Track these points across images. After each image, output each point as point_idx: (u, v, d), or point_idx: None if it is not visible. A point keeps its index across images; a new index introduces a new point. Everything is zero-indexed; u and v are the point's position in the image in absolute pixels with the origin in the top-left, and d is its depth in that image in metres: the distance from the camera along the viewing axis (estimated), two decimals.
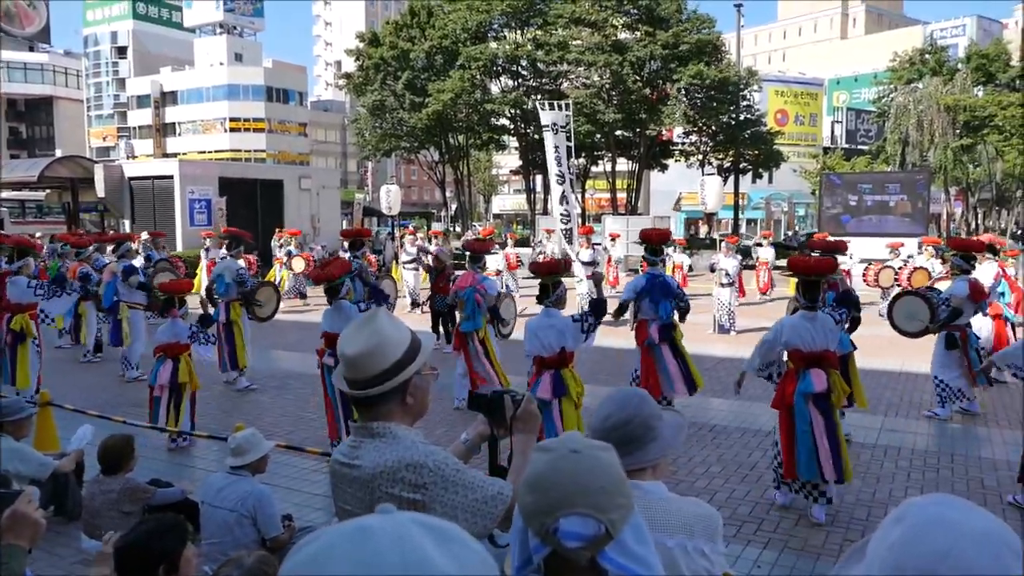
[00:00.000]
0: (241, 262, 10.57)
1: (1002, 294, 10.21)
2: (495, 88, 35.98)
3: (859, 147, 46.53)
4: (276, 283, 15.52)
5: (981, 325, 9.09)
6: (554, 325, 6.09)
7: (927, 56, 40.55)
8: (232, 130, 61.18)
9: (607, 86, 32.89)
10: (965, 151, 35.99)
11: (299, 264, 18.28)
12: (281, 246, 19.15)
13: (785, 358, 5.61)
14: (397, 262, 17.90)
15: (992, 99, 35.64)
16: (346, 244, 14.03)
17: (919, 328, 7.90)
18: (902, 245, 17.04)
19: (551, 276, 6.36)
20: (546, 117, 18.77)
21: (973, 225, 42.30)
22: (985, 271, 9.93)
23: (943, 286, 9.47)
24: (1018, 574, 0.88)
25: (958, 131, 35.34)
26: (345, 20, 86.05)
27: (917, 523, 0.93)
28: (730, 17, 37.85)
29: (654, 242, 7.89)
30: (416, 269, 15.41)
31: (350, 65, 39.75)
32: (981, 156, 36.99)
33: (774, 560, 4.75)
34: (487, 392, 2.17)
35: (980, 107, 34.87)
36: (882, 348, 10.84)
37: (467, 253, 9.82)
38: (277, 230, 21.29)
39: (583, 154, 34.84)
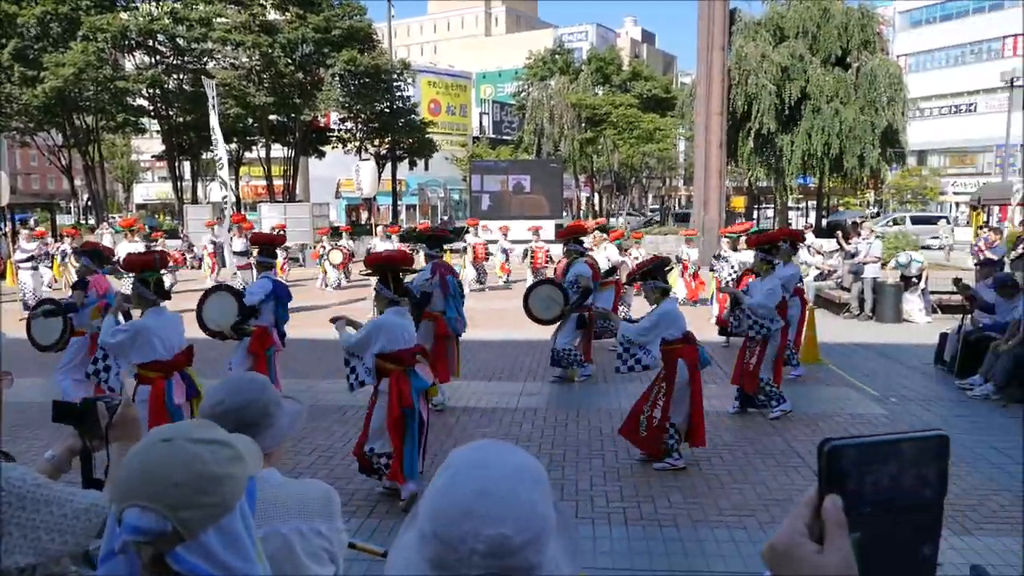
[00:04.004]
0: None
1: None
2: (129, 65, 32.55)
3: (504, 137, 50.46)
4: None
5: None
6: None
7: (557, 57, 45.28)
8: None
9: (257, 68, 31.51)
10: (589, 143, 40.88)
11: None
12: None
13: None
14: (11, 260, 15.40)
15: (608, 99, 40.95)
16: None
17: (557, 312, 8.65)
18: (540, 228, 18.89)
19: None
20: (212, 90, 17.62)
21: (598, 208, 48.27)
22: (612, 250, 11.52)
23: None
24: (543, 502, 1.00)
25: (583, 125, 40.01)
26: None
27: (458, 468, 1.00)
28: (382, 7, 38.30)
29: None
30: (34, 268, 13.44)
31: None
32: (603, 148, 42.28)
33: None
34: (76, 401, 1.99)
35: (599, 105, 39.86)
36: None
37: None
38: None
39: (235, 139, 33.11)
